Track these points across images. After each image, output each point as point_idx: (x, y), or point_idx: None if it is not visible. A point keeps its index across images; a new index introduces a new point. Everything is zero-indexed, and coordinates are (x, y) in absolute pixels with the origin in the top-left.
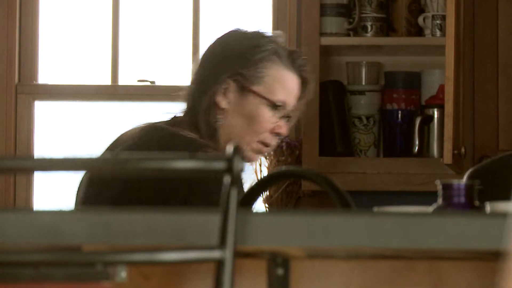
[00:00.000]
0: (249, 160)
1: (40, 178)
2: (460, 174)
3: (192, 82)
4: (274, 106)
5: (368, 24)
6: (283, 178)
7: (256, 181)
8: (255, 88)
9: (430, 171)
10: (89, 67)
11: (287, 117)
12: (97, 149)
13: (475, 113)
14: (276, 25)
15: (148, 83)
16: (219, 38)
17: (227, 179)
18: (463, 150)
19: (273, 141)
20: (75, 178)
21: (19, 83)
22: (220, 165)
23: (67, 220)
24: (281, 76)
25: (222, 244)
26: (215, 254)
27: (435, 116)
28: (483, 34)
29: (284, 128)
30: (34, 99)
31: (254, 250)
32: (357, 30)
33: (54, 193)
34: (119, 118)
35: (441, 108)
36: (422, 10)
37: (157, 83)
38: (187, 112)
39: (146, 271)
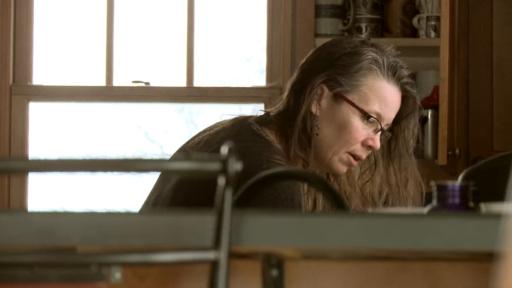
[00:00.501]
0: (337, 171)
1: (34, 179)
2: (454, 175)
3: (291, 85)
4: (367, 117)
5: (363, 25)
6: (279, 179)
7: (251, 181)
8: (350, 96)
9: (424, 172)
10: (84, 68)
11: (381, 130)
12: (92, 149)
13: (469, 114)
14: (271, 26)
15: (143, 84)
16: (323, 44)
17: (221, 180)
18: (457, 151)
19: (364, 154)
20: (70, 179)
21: (14, 84)
22: (215, 166)
23: (61, 221)
24: (378, 86)
25: (216, 245)
26: (210, 255)
27: (430, 117)
28: (478, 35)
29: (376, 141)
30: (28, 100)
31: (249, 251)
32: (352, 31)
33: (48, 194)
34: (114, 119)
35: (435, 109)
36: (416, 11)
37: (151, 84)
38: (281, 114)
39: (141, 272)
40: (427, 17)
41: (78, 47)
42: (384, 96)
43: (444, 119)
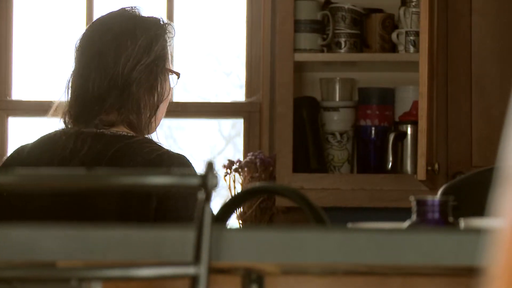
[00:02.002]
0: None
1: None
2: (434, 190)
3: None
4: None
5: (342, 40)
6: (257, 194)
7: (230, 197)
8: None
9: (404, 188)
10: (63, 83)
11: None
12: None
13: (448, 129)
14: (250, 40)
15: None
16: None
17: (201, 195)
18: (436, 166)
19: None
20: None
21: None
22: (194, 181)
23: (41, 236)
24: None
25: (196, 260)
26: (190, 270)
27: (409, 132)
28: (457, 50)
29: None
30: (7, 115)
31: (229, 266)
32: (331, 46)
33: None
34: None
35: (414, 124)
36: (395, 26)
37: None
38: None
39: (122, 287)
40: (406, 32)
41: (57, 62)
42: None
43: (423, 134)
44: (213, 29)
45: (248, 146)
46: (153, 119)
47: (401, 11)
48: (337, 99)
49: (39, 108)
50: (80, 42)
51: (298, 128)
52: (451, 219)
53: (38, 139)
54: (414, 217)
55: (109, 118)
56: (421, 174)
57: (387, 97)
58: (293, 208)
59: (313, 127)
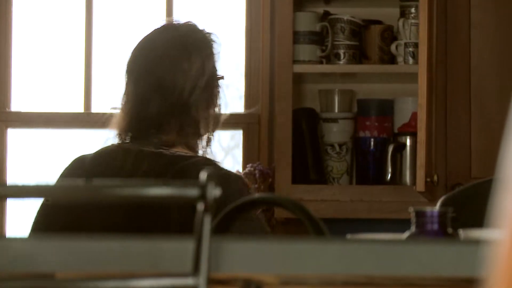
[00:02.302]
0: None
1: (13, 205)
2: (432, 202)
3: None
4: None
5: (341, 51)
6: (256, 205)
7: (230, 208)
8: None
9: (403, 199)
10: (62, 94)
11: None
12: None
13: (447, 141)
14: (249, 53)
15: None
16: None
17: (200, 206)
18: (435, 177)
19: None
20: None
21: None
22: (193, 192)
23: (40, 247)
24: None
25: (195, 271)
26: (189, 281)
27: (408, 143)
28: (456, 62)
29: None
30: (7, 127)
31: (228, 277)
32: (330, 57)
33: (27, 220)
34: (93, 146)
35: (413, 135)
36: (394, 38)
37: None
38: None
39: None
40: (405, 44)
41: (57, 74)
42: None
43: (422, 146)
44: None
45: (247, 158)
46: (211, 136)
47: (400, 23)
48: (336, 110)
49: (38, 119)
50: (132, 63)
51: (297, 140)
52: (450, 230)
53: (97, 152)
54: (413, 228)
55: (168, 138)
56: (420, 186)
57: (386, 108)
58: (292, 219)
59: (312, 139)
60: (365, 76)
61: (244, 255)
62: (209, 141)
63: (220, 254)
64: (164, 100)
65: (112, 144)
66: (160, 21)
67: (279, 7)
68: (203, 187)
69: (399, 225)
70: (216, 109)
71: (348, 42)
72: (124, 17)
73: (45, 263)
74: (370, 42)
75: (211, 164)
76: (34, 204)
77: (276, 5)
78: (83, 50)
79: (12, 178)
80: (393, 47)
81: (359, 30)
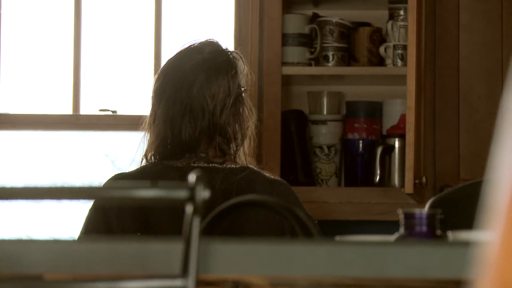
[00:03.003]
0: None
1: (0, 207)
2: (421, 204)
3: None
4: None
5: (330, 53)
6: (245, 207)
7: (218, 209)
8: None
9: (391, 201)
10: (50, 96)
11: None
12: (58, 178)
13: (436, 143)
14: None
15: (110, 113)
16: None
17: (189, 208)
18: (424, 179)
19: None
20: (36, 207)
21: None
22: (182, 194)
23: (28, 249)
24: None
25: (184, 272)
26: (177, 282)
27: (396, 145)
28: (444, 64)
29: None
30: None
31: (217, 279)
32: (319, 59)
33: (14, 222)
34: (81, 148)
35: (402, 137)
36: (383, 40)
37: (118, 113)
38: None
39: None
40: (394, 46)
41: (45, 76)
42: None
43: (410, 148)
44: None
45: None
46: (246, 145)
47: (389, 25)
48: (325, 112)
49: (26, 121)
50: (161, 88)
51: (286, 141)
52: (438, 232)
53: (137, 170)
54: (401, 230)
55: (211, 153)
56: (409, 188)
57: (374, 110)
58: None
59: (301, 140)
60: (354, 78)
61: (233, 256)
62: (245, 151)
63: (209, 255)
64: (195, 126)
65: (152, 163)
66: (183, 43)
67: (268, 9)
68: (191, 189)
69: (388, 227)
70: (245, 121)
71: (337, 44)
72: (113, 18)
73: (34, 265)
74: (359, 44)
75: (258, 173)
76: (22, 207)
77: (265, 7)
78: (71, 51)
79: (0, 180)
80: (381, 49)
81: (348, 32)
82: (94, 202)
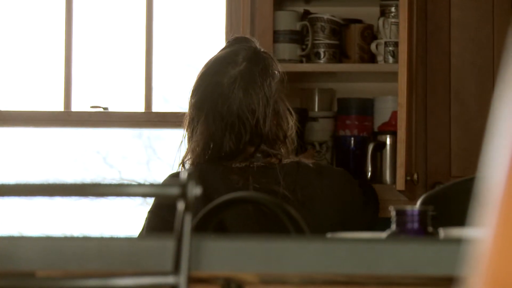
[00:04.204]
0: None
1: None
2: (413, 201)
3: None
4: None
5: (321, 50)
6: (237, 203)
7: (210, 206)
8: None
9: (383, 198)
10: (42, 93)
11: None
12: (50, 174)
13: (427, 140)
14: None
15: (101, 110)
16: None
17: (181, 205)
18: (415, 176)
19: None
20: (28, 204)
21: None
22: (174, 190)
23: (20, 246)
24: None
25: (176, 269)
26: (169, 279)
27: (388, 142)
28: (436, 61)
29: None
30: None
31: (208, 276)
32: (310, 56)
33: (6, 219)
34: (72, 144)
35: (393, 134)
36: (375, 37)
37: (110, 110)
38: None
39: None
40: (385, 43)
41: (36, 72)
42: None
43: (402, 145)
44: (192, 40)
45: None
46: (288, 143)
47: (380, 22)
48: (316, 109)
49: (18, 118)
50: (200, 102)
51: None
52: (430, 229)
53: (191, 170)
54: (393, 227)
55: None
56: (400, 184)
57: (366, 107)
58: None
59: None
60: (345, 75)
61: (224, 253)
62: (288, 148)
63: (201, 252)
64: (239, 141)
65: (202, 164)
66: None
67: (259, 6)
68: (183, 186)
69: (380, 223)
70: (284, 120)
71: (328, 41)
72: (104, 15)
73: (26, 261)
74: (350, 41)
75: (311, 163)
76: (13, 203)
77: (256, 4)
78: (63, 48)
79: None
80: (373, 46)
81: (339, 29)
82: (155, 201)
